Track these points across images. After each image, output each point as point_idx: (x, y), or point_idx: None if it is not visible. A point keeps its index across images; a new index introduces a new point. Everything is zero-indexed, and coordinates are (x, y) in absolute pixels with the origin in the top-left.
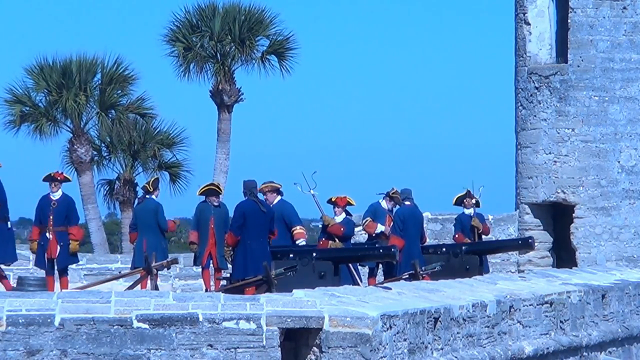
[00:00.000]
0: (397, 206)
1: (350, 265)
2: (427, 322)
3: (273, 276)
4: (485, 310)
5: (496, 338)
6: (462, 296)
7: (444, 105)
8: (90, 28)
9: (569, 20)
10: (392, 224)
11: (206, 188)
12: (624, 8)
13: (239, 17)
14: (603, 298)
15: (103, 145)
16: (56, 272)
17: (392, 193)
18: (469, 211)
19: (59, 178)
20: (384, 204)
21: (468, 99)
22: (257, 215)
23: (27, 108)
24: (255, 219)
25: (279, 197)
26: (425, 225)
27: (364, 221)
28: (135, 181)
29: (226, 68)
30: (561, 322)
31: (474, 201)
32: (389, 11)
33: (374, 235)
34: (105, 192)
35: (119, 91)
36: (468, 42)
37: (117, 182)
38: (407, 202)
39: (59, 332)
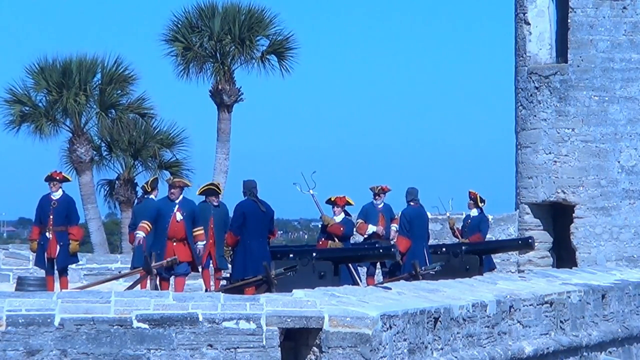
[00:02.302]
0: (380, 197)
1: (350, 265)
2: (427, 322)
3: (273, 276)
4: (485, 310)
5: (496, 338)
6: (462, 296)
7: (444, 105)
8: (90, 28)
9: (569, 20)
10: (384, 222)
11: (206, 188)
12: (624, 8)
13: (239, 17)
14: (603, 298)
15: (103, 145)
16: (56, 272)
17: (371, 188)
18: (473, 212)
19: (58, 178)
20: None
21: (468, 99)
22: (257, 215)
23: (27, 108)
24: (255, 219)
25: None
26: None
27: (356, 223)
28: (135, 181)
29: (226, 68)
30: (561, 322)
31: (472, 202)
32: (389, 11)
33: (366, 236)
34: (105, 192)
35: (119, 91)
36: (468, 42)
37: (117, 182)
38: (412, 203)
39: (58, 332)
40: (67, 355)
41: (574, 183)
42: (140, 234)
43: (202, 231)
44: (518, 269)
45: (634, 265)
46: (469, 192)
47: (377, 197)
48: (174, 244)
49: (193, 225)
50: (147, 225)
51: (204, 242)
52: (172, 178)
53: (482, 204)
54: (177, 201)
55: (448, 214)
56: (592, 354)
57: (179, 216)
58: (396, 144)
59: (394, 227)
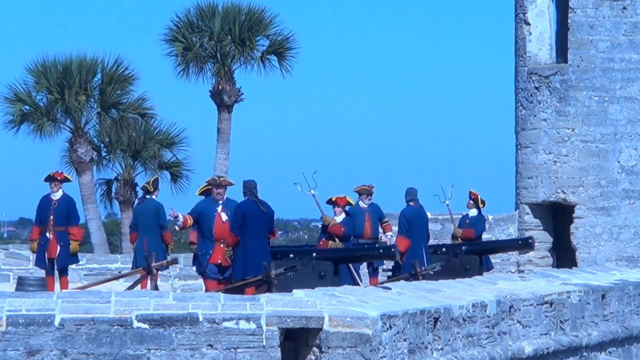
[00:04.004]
0: (369, 198)
1: (350, 265)
2: (427, 322)
3: (273, 276)
4: (485, 310)
5: (496, 338)
6: (462, 296)
7: (444, 105)
8: (90, 28)
9: (569, 20)
10: (370, 222)
11: (206, 188)
12: (624, 8)
13: (239, 17)
14: (603, 298)
15: (103, 145)
16: (56, 272)
17: (355, 190)
18: (472, 212)
19: (59, 178)
20: (361, 203)
21: (468, 99)
22: (257, 215)
23: (28, 107)
24: (255, 219)
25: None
26: None
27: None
28: (135, 181)
29: (226, 68)
30: (561, 322)
31: (472, 202)
32: (389, 11)
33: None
34: (102, 191)
35: (119, 91)
36: (468, 42)
37: (115, 182)
38: (411, 203)
39: (59, 332)
40: (67, 355)
41: (574, 183)
42: (180, 218)
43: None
44: (518, 269)
45: (634, 265)
46: (470, 192)
47: (363, 198)
48: (222, 246)
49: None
50: (190, 218)
51: None
52: (217, 178)
53: (483, 205)
54: (220, 201)
55: (447, 202)
56: (592, 354)
57: (224, 217)
58: (396, 144)
59: (388, 234)
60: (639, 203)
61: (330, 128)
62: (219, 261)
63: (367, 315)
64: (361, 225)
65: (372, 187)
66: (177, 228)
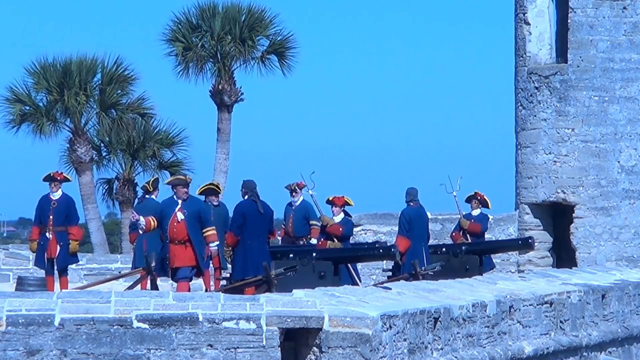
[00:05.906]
0: (296, 195)
1: (349, 265)
2: (427, 322)
3: (273, 276)
4: (485, 310)
5: (496, 338)
6: (462, 296)
7: (444, 105)
8: (90, 28)
9: (569, 20)
10: (292, 221)
11: (205, 188)
12: (624, 8)
13: (239, 17)
14: (603, 298)
15: (102, 145)
16: (56, 272)
17: (286, 186)
18: (476, 212)
19: (58, 178)
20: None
21: (468, 99)
22: (257, 215)
23: (28, 107)
24: (254, 219)
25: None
26: None
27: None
28: (135, 181)
29: (226, 68)
30: (561, 322)
31: (477, 202)
32: (389, 11)
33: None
34: (103, 191)
35: (119, 91)
36: (468, 42)
37: (116, 181)
38: (412, 203)
39: (59, 332)
40: (67, 355)
41: (574, 183)
42: (142, 221)
43: (214, 231)
44: (518, 269)
45: (634, 265)
46: (476, 194)
47: (293, 195)
48: (176, 246)
49: (201, 225)
50: (153, 220)
51: (217, 242)
52: (184, 177)
53: (488, 207)
54: (179, 200)
55: (455, 193)
56: (592, 354)
57: (179, 216)
58: (396, 144)
59: (313, 240)
60: (639, 203)
61: (330, 128)
62: (174, 265)
63: (367, 315)
64: (286, 223)
65: (299, 185)
66: (140, 231)
